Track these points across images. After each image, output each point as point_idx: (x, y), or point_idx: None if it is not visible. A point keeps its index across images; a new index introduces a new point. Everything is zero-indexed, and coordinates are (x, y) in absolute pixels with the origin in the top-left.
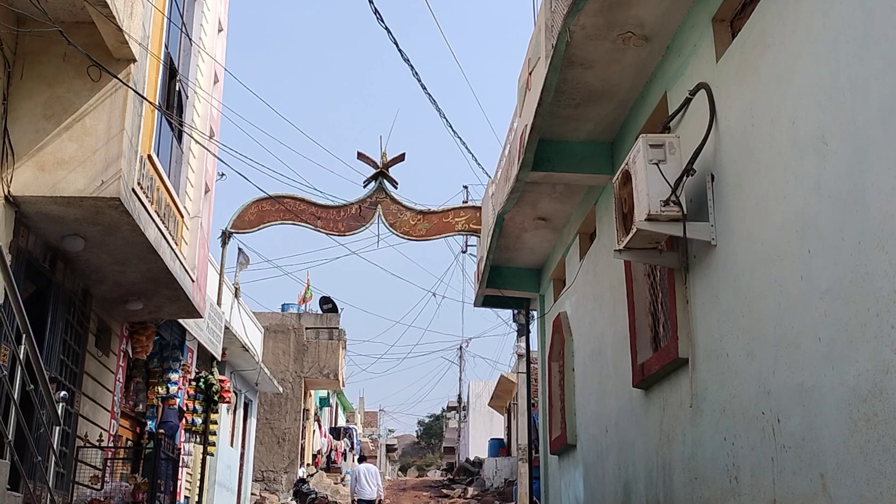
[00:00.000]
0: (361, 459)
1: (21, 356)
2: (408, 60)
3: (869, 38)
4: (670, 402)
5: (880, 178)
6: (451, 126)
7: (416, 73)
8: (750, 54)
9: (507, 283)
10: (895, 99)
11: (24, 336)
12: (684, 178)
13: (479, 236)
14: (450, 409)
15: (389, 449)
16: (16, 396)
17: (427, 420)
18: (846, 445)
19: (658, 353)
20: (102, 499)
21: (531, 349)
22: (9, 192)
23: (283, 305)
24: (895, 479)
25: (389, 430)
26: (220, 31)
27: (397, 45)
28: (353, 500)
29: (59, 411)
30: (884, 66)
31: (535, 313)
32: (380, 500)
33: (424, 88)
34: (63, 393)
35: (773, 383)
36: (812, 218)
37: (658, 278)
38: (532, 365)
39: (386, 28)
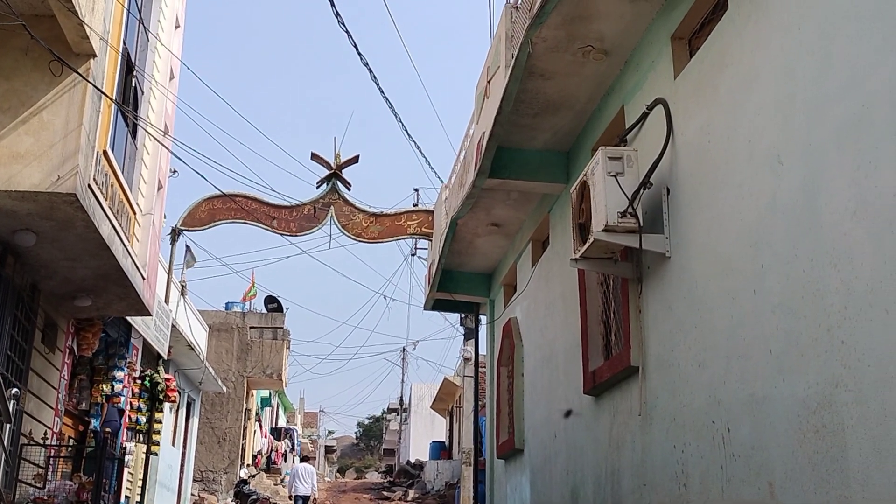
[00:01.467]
0: (303, 459)
1: None
2: (367, 65)
3: (827, 62)
4: (621, 409)
5: (834, 199)
6: (405, 129)
7: (375, 78)
8: (708, 72)
9: (458, 287)
10: (850, 123)
11: None
12: (641, 190)
13: (430, 240)
14: (391, 411)
15: (329, 450)
16: None
17: (367, 422)
18: (794, 455)
19: (610, 360)
20: (46, 497)
21: (480, 353)
22: None
23: (227, 304)
24: (842, 489)
25: (329, 432)
26: (177, 27)
27: (357, 49)
28: (290, 496)
29: (11, 409)
30: (840, 91)
31: (484, 318)
32: (314, 499)
33: (382, 93)
34: (15, 390)
35: (724, 393)
36: (766, 234)
37: (611, 287)
38: (480, 369)
39: (346, 31)
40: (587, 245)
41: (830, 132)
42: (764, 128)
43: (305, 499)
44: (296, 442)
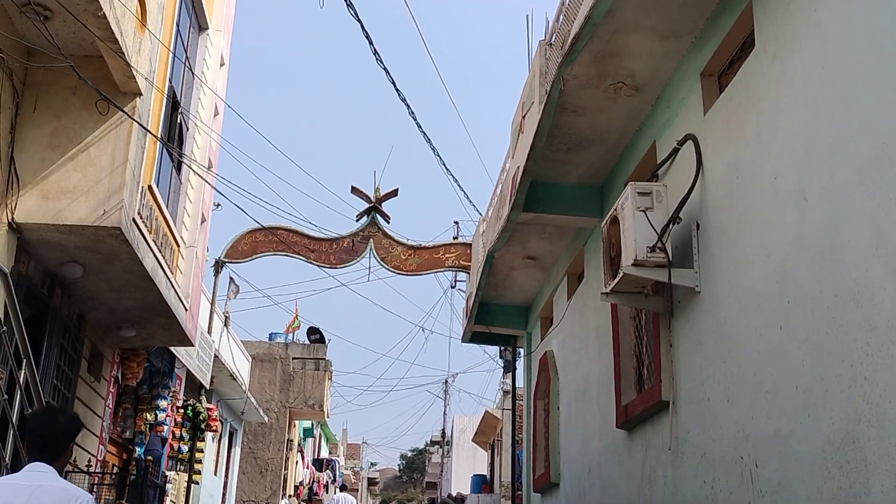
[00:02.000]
0: (342, 489)
1: (21, 380)
2: (404, 100)
3: (847, 102)
4: (653, 443)
5: (856, 236)
6: (444, 163)
7: (413, 113)
8: (735, 109)
9: (495, 319)
10: (870, 160)
11: (24, 361)
12: (671, 225)
13: (468, 272)
14: (433, 443)
15: (371, 482)
16: (14, 420)
17: (410, 454)
18: (820, 492)
19: (642, 395)
20: None
21: (517, 386)
22: (13, 218)
23: (270, 335)
24: None
25: (372, 464)
26: (222, 65)
27: (395, 85)
28: None
29: None
30: (860, 130)
31: (521, 350)
32: None
33: (419, 126)
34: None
35: (752, 428)
36: (791, 270)
37: (643, 321)
38: (517, 402)
39: (384, 68)
40: (617, 279)
41: (852, 170)
42: (789, 164)
43: None
44: (338, 473)
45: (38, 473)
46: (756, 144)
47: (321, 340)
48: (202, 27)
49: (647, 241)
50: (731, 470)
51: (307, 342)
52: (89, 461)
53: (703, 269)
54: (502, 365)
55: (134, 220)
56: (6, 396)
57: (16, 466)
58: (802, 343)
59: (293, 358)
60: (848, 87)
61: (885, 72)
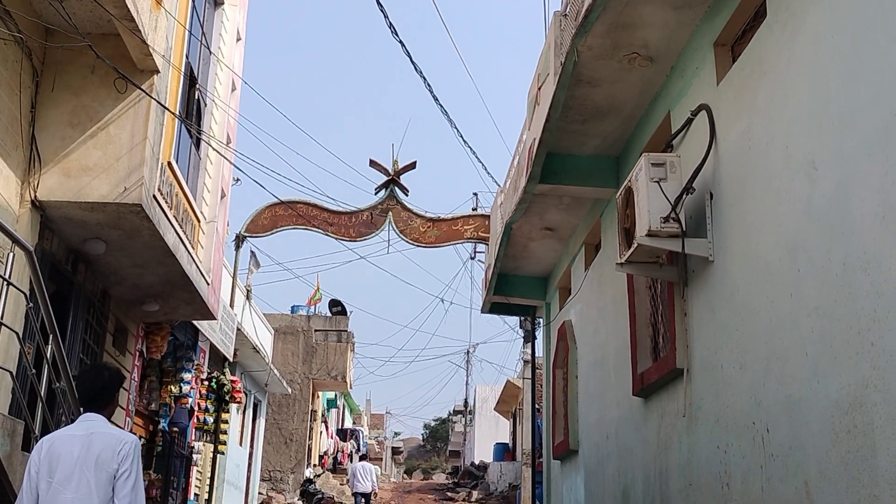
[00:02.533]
0: (362, 458)
1: (48, 355)
2: (421, 73)
3: (857, 72)
4: (668, 410)
5: (864, 205)
6: (461, 136)
7: (429, 86)
8: (748, 79)
9: (514, 290)
10: (880, 131)
11: (50, 336)
12: (684, 196)
13: (487, 244)
14: (456, 412)
15: (395, 451)
16: (42, 393)
17: (433, 423)
18: (828, 455)
19: (657, 363)
20: None
21: (537, 356)
22: (35, 196)
23: (292, 307)
24: (872, 487)
25: (395, 433)
26: (238, 40)
27: (411, 59)
28: (353, 493)
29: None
30: (870, 100)
31: (541, 320)
32: (375, 493)
33: (437, 100)
34: None
35: (764, 395)
36: (802, 239)
37: (658, 291)
38: (537, 371)
39: (400, 41)
40: (632, 250)
41: (861, 139)
42: (800, 134)
43: (366, 495)
44: (361, 443)
45: (90, 422)
46: (768, 114)
47: (343, 312)
48: (217, 2)
49: (660, 212)
50: (744, 435)
51: (329, 314)
52: None
53: (717, 239)
54: (522, 335)
55: (154, 196)
56: (34, 371)
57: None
58: (812, 311)
59: (315, 330)
60: (858, 57)
61: (893, 42)
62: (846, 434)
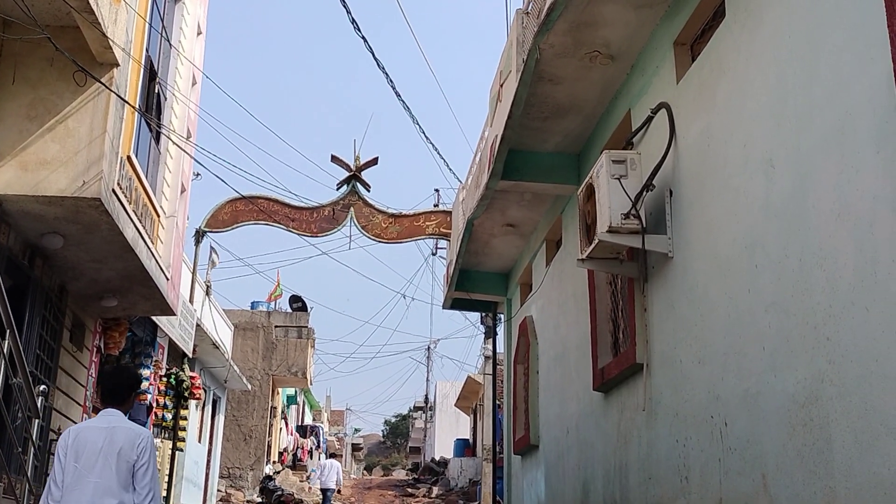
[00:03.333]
0: (331, 456)
1: (5, 350)
2: (383, 69)
3: (814, 71)
4: (628, 405)
5: (820, 202)
6: (423, 132)
7: (392, 82)
8: (707, 78)
9: (476, 286)
10: (835, 129)
11: (7, 331)
12: (644, 192)
13: (448, 240)
14: (416, 409)
15: (355, 448)
16: None
17: (393, 420)
18: (785, 448)
19: (617, 358)
20: None
21: (498, 351)
22: None
23: (252, 303)
24: (827, 479)
25: (356, 430)
26: (199, 34)
27: (373, 54)
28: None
29: (39, 405)
30: (826, 99)
31: (502, 316)
32: (338, 490)
33: (399, 96)
34: (42, 387)
35: (722, 389)
36: (760, 235)
37: (619, 286)
38: (498, 367)
39: (363, 37)
40: (593, 245)
41: (818, 138)
42: (758, 133)
43: (331, 490)
44: (321, 439)
45: (111, 416)
46: (726, 113)
47: (303, 308)
48: None
49: (621, 208)
50: (702, 429)
51: (289, 310)
52: None
53: (676, 235)
54: (483, 331)
55: (114, 190)
56: None
57: None
58: (770, 306)
59: (275, 326)
60: (814, 57)
61: (849, 42)
62: (802, 427)
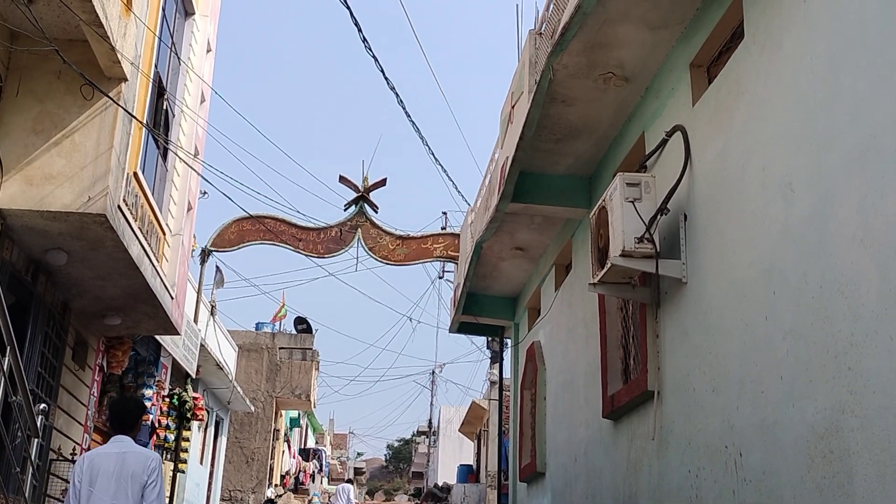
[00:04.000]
0: (347, 481)
1: (5, 367)
2: (394, 89)
3: (835, 92)
4: (638, 433)
5: (842, 227)
6: (432, 154)
7: (402, 102)
8: (725, 100)
9: (483, 310)
10: (858, 152)
11: (8, 348)
12: (658, 216)
13: (456, 263)
14: (420, 433)
15: (357, 472)
16: None
17: (396, 444)
18: (803, 481)
19: (628, 385)
20: None
21: (504, 377)
22: None
23: (257, 324)
24: None
25: (358, 454)
26: (208, 51)
27: (384, 74)
28: None
29: (39, 424)
30: (848, 121)
31: (509, 341)
32: None
33: (409, 116)
34: (42, 406)
35: (737, 418)
36: (777, 261)
37: (630, 312)
38: (504, 392)
39: (373, 56)
40: (605, 270)
41: (839, 161)
42: (776, 156)
43: None
44: (324, 463)
45: (121, 442)
46: (744, 135)
47: (308, 330)
48: (188, 12)
49: (634, 232)
50: (716, 459)
51: (294, 332)
52: (74, 449)
53: (691, 260)
54: (489, 356)
55: (119, 206)
56: None
57: None
58: (787, 334)
59: (280, 348)
60: (836, 78)
61: (872, 63)
62: (822, 459)
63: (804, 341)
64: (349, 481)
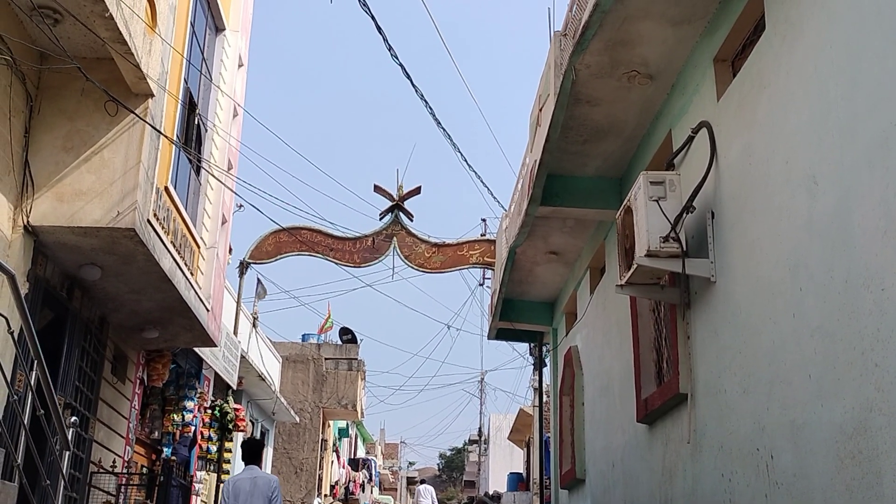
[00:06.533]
0: (422, 482)
1: (33, 382)
2: (423, 97)
3: (856, 82)
4: (672, 437)
5: (866, 219)
6: (466, 160)
7: (432, 110)
8: (748, 94)
9: (521, 316)
10: (880, 141)
11: (35, 363)
12: (684, 214)
13: (493, 269)
14: (471, 442)
15: (410, 482)
16: (26, 421)
17: (448, 453)
18: (833, 483)
19: (661, 388)
20: None
21: (544, 383)
22: (28, 221)
23: (303, 335)
24: None
25: (410, 463)
26: (240, 66)
27: (412, 82)
28: None
29: (70, 436)
30: (869, 109)
31: (547, 346)
32: None
33: (439, 124)
34: (74, 418)
35: (767, 420)
36: (803, 256)
37: (662, 314)
38: (545, 398)
39: (400, 64)
40: (631, 271)
41: (861, 151)
42: (800, 148)
43: None
44: (374, 472)
45: (252, 470)
46: (768, 129)
47: (353, 340)
48: (219, 28)
49: (660, 231)
50: (748, 462)
51: (339, 342)
52: (114, 462)
53: (719, 259)
54: (532, 362)
55: (149, 220)
56: (16, 397)
57: (28, 469)
58: (815, 331)
59: (326, 358)
60: (856, 68)
61: (891, 48)
62: (851, 460)
63: (831, 338)
64: (423, 482)
